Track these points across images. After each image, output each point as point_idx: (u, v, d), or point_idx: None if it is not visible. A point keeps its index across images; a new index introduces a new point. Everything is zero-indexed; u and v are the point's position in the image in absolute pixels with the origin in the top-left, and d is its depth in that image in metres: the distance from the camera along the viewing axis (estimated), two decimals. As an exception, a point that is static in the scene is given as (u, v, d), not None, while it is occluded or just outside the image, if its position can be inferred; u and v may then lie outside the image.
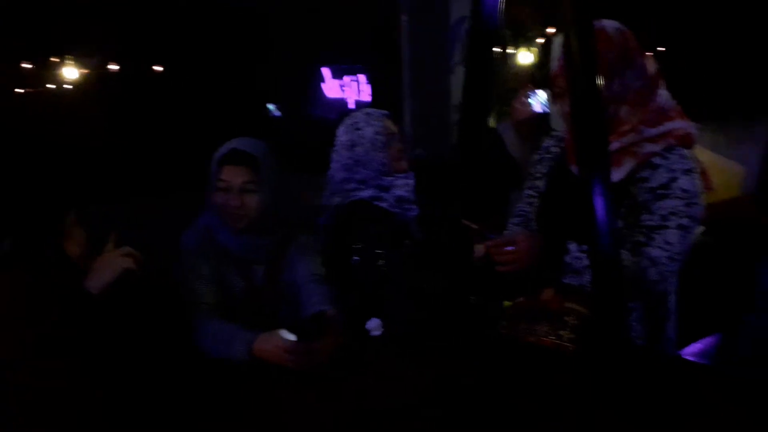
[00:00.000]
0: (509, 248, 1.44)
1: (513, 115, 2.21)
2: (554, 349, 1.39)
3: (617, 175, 1.47)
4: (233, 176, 1.64)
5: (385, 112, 1.95)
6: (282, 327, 1.56)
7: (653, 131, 1.46)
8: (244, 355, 1.45)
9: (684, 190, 1.39)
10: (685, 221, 1.39)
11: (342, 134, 1.92)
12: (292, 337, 1.42)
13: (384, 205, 1.87)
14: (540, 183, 1.68)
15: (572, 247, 1.44)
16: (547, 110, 2.12)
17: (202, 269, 1.66)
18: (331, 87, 10.12)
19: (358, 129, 1.89)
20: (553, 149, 1.68)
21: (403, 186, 1.91)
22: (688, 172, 1.41)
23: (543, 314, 1.45)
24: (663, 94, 1.49)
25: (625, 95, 1.44)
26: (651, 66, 1.48)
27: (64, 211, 1.40)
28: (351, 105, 9.96)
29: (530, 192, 1.73)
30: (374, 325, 1.59)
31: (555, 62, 1.50)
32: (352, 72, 9.53)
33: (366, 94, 8.91)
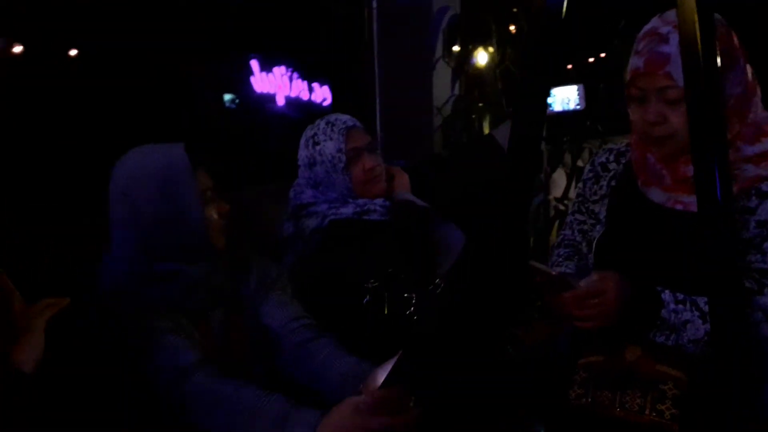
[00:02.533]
0: (594, 300, 1.13)
1: None
2: (652, 427, 1.10)
3: (712, 203, 1.19)
4: (206, 182, 1.24)
5: (353, 120, 1.57)
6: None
7: (753, 149, 1.19)
8: None
9: None
10: None
11: (302, 148, 1.57)
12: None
13: (375, 217, 1.50)
14: (597, 207, 1.37)
15: (667, 296, 1.15)
16: (577, 108, 1.82)
17: (162, 322, 1.19)
18: (261, 80, 9.51)
19: (317, 144, 1.52)
20: (612, 166, 1.39)
21: (381, 211, 1.53)
22: (805, 202, 1.15)
23: (631, 380, 1.15)
24: (758, 105, 1.23)
25: (725, 103, 1.17)
26: (749, 70, 1.21)
27: None
28: (280, 102, 9.39)
29: (580, 218, 1.43)
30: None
31: (634, 58, 1.19)
32: (284, 64, 8.99)
33: (302, 90, 8.36)
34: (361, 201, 1.52)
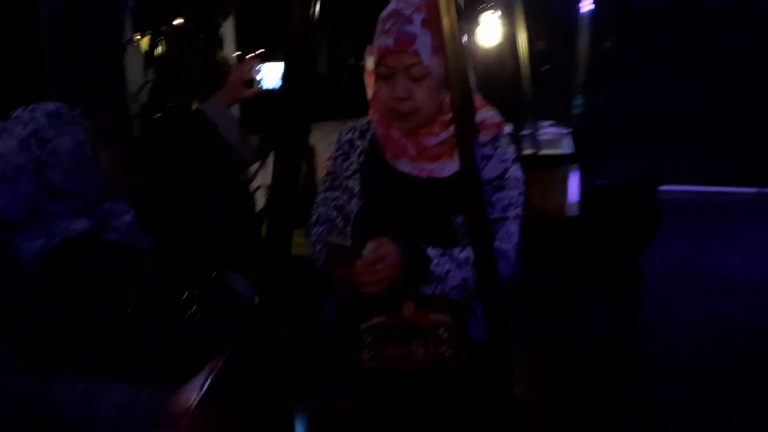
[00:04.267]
0: (379, 265, 1.20)
1: (232, 93, 1.86)
2: (438, 371, 1.23)
3: (450, 168, 1.38)
4: None
5: (78, 109, 1.35)
6: None
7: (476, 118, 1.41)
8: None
9: (516, 179, 1.39)
10: (519, 210, 1.39)
11: (13, 153, 1.24)
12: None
13: (114, 237, 1.32)
14: (351, 183, 1.45)
15: (431, 252, 1.29)
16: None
17: None
18: None
19: (45, 141, 1.26)
20: (358, 143, 1.48)
21: (126, 211, 1.38)
22: (515, 161, 1.41)
23: (412, 333, 1.25)
24: (471, 81, 1.46)
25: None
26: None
27: None
28: None
29: (333, 194, 1.49)
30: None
31: (382, 37, 1.29)
32: None
33: None
34: (102, 209, 1.31)
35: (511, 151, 1.42)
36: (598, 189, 3.88)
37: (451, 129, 1.36)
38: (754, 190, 5.59)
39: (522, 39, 3.63)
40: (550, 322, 2.89)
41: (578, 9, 6.16)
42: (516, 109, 3.97)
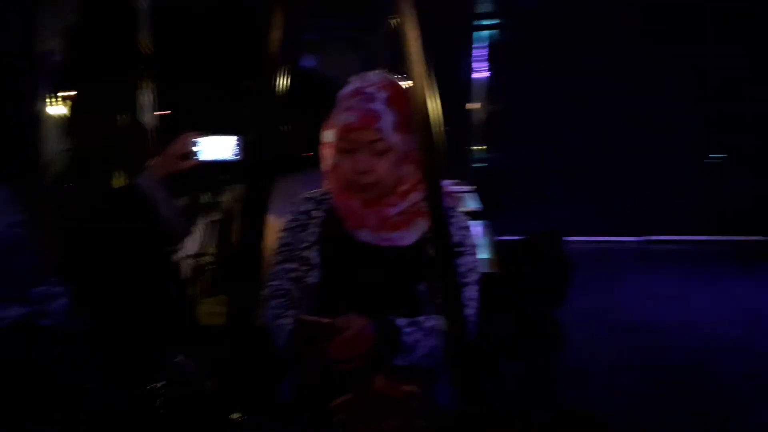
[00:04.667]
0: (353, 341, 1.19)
1: (168, 166, 1.82)
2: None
3: (410, 237, 1.41)
4: None
5: (6, 188, 1.31)
6: None
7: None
8: None
9: (473, 246, 1.44)
10: (477, 275, 1.44)
11: None
12: None
13: (49, 322, 1.24)
14: (309, 254, 1.43)
15: (400, 322, 1.30)
16: (229, 159, 1.81)
17: None
18: None
19: None
20: (315, 213, 1.47)
21: (60, 293, 1.31)
22: (469, 228, 1.47)
23: (386, 407, 1.24)
24: None
25: (410, 153, 1.39)
26: None
27: None
28: None
29: (290, 266, 1.46)
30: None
31: (345, 114, 1.32)
32: None
33: None
34: (36, 293, 1.22)
35: (466, 218, 1.48)
36: (512, 244, 4.06)
37: (410, 199, 1.40)
38: (640, 238, 6.09)
39: (434, 104, 3.81)
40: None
41: (470, 73, 6.60)
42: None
